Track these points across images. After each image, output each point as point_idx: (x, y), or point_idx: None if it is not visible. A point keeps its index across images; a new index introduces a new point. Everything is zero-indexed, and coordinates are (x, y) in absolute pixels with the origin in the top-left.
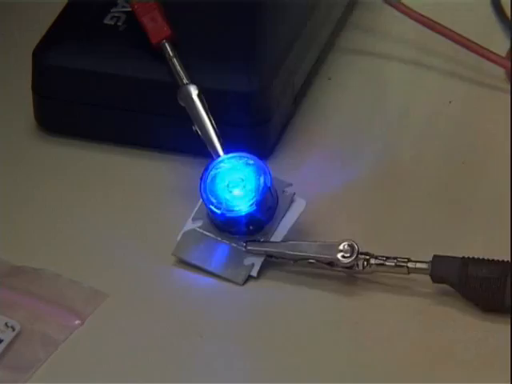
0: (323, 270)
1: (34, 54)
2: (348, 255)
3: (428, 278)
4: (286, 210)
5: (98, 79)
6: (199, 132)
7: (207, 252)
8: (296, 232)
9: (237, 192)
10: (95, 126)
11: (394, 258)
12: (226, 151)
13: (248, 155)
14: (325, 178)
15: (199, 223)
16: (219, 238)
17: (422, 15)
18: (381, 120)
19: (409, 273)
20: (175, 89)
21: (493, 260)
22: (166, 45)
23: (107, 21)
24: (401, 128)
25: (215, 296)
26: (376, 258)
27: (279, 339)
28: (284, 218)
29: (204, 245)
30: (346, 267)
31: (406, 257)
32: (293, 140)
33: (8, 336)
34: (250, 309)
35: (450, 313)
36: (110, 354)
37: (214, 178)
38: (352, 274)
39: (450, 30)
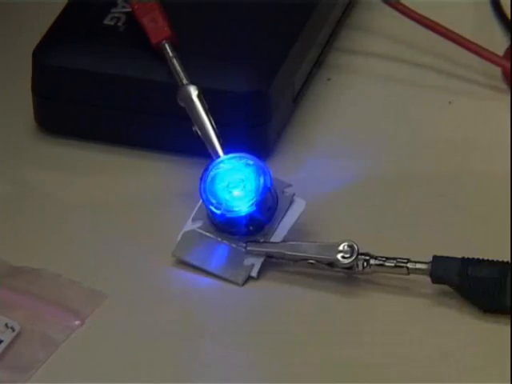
0: (323, 270)
1: (34, 54)
2: (348, 256)
3: (428, 278)
4: (286, 211)
5: (97, 79)
6: (199, 132)
7: (207, 252)
8: (296, 232)
9: (237, 192)
10: (95, 126)
11: (394, 259)
12: (225, 152)
13: (248, 156)
14: (325, 178)
15: (199, 224)
16: (219, 239)
17: (422, 15)
18: (380, 120)
19: (408, 273)
20: (175, 89)
21: (493, 260)
22: (166, 45)
23: (107, 21)
24: (400, 128)
25: (215, 296)
26: (376, 258)
27: (279, 339)
28: (284, 219)
29: (204, 245)
30: (346, 268)
31: (406, 257)
32: (293, 140)
33: (8, 336)
34: (250, 309)
35: (450, 313)
36: (109, 354)
37: (214, 178)
38: (352, 275)
39: (450, 30)
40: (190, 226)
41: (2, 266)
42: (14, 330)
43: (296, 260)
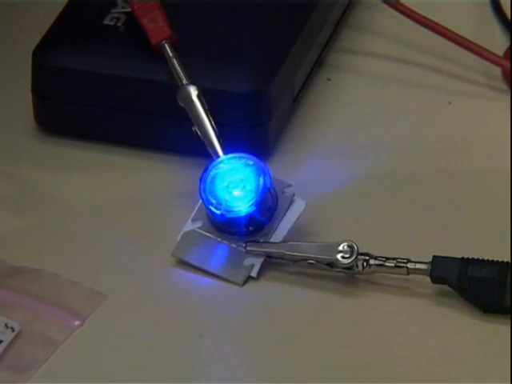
0: (323, 270)
1: (34, 54)
2: (347, 256)
3: (428, 278)
4: (286, 211)
5: (97, 80)
6: (199, 132)
7: (207, 252)
8: (296, 232)
9: (236, 193)
10: (95, 126)
11: (394, 259)
12: (225, 152)
13: (248, 156)
14: (325, 179)
15: (199, 224)
16: (219, 239)
17: (422, 15)
18: (380, 120)
19: (408, 273)
20: (175, 89)
21: (493, 260)
22: (166, 45)
23: (107, 21)
24: (400, 128)
25: (215, 296)
26: (376, 258)
27: (279, 339)
28: (284, 219)
29: (204, 245)
30: (346, 268)
31: (406, 257)
32: (292, 140)
33: (8, 336)
34: (250, 309)
35: (450, 313)
36: (109, 355)
37: (214, 178)
38: (351, 275)
39: (450, 30)
40: (189, 226)
41: (1, 265)
42: (13, 330)
43: (296, 260)
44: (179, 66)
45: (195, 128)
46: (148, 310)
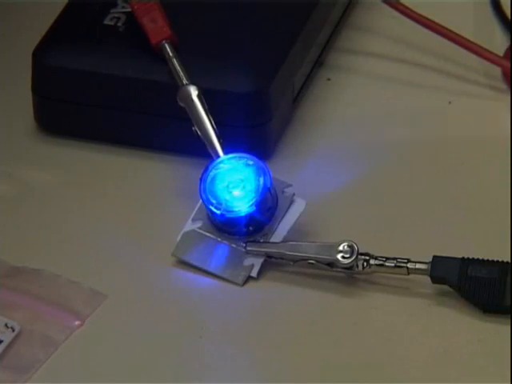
0: (323, 270)
1: (34, 54)
2: (348, 256)
3: (428, 278)
4: (286, 211)
5: (97, 80)
6: (199, 132)
7: (207, 252)
8: (296, 232)
9: (236, 192)
10: (95, 126)
11: (394, 259)
12: (225, 152)
13: (248, 156)
14: (325, 179)
15: (199, 224)
16: (219, 239)
17: (422, 15)
18: (380, 120)
19: (408, 273)
20: (175, 89)
21: (493, 260)
22: (166, 45)
23: (107, 21)
24: (400, 128)
25: (215, 296)
26: (376, 258)
27: (279, 339)
28: (284, 219)
29: (204, 245)
30: (346, 268)
31: (406, 257)
32: (293, 140)
33: (8, 337)
34: (250, 309)
35: (450, 313)
36: (109, 355)
37: (214, 178)
38: (352, 275)
39: (450, 30)
40: (189, 226)
41: (1, 265)
42: (14, 330)
43: (296, 260)
44: (179, 65)
45: (195, 128)
46: (148, 310)
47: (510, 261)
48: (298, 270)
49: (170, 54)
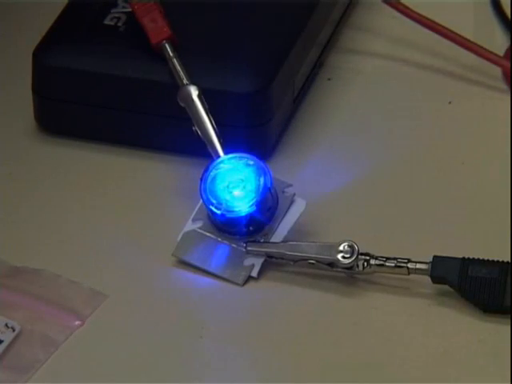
0: (323, 270)
1: (34, 54)
2: (348, 256)
3: (428, 278)
4: (286, 211)
5: (97, 80)
6: (199, 132)
7: (207, 252)
8: (296, 232)
9: (237, 192)
10: (95, 126)
11: (394, 259)
12: (226, 152)
13: (248, 156)
14: (325, 178)
15: (199, 224)
16: (219, 239)
17: (422, 15)
18: (381, 120)
19: (409, 273)
20: (175, 89)
21: (493, 260)
22: (166, 45)
23: (107, 21)
24: (401, 128)
25: (215, 296)
26: (376, 258)
27: (279, 339)
28: (284, 219)
29: (204, 245)
30: (346, 268)
31: (406, 257)
32: (293, 140)
33: (8, 337)
34: (250, 309)
35: (450, 313)
36: (109, 355)
37: (214, 178)
38: (352, 275)
39: (450, 30)
40: (190, 226)
41: (2, 265)
42: (14, 330)
43: (296, 260)
44: (179, 65)
45: (196, 128)
46: (148, 310)
47: (510, 261)
48: (298, 269)
49: (170, 53)
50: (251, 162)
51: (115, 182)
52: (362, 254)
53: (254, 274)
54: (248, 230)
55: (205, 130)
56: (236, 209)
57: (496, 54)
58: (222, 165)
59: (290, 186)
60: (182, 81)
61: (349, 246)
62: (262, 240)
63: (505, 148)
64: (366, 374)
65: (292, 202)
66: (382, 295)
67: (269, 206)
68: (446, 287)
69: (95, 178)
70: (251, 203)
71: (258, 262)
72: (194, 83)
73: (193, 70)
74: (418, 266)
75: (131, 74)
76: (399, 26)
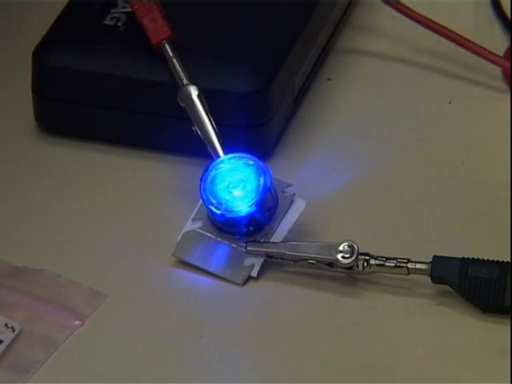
0: (323, 270)
1: (34, 54)
2: (348, 256)
3: (428, 278)
4: (286, 211)
5: (97, 80)
6: (199, 132)
7: (207, 252)
8: (296, 232)
9: (237, 192)
10: (95, 126)
11: (394, 259)
12: (225, 152)
13: (248, 156)
14: (325, 178)
15: (199, 224)
16: (219, 239)
17: (422, 15)
18: (381, 120)
19: (409, 273)
20: (175, 89)
21: (493, 260)
22: (166, 45)
23: (107, 21)
24: (401, 128)
25: (215, 296)
26: (376, 258)
27: (279, 339)
28: (284, 219)
29: (204, 245)
30: (346, 268)
31: (406, 257)
32: (293, 140)
33: (8, 337)
34: (250, 309)
35: (450, 313)
36: (109, 355)
37: (214, 178)
38: (352, 275)
39: (450, 30)
40: (190, 226)
41: (2, 266)
42: (14, 330)
43: (296, 260)
44: (179, 65)
45: (195, 128)
46: (148, 310)
47: (510, 261)
48: (298, 269)
49: (170, 53)
50: (251, 162)
51: (115, 181)
52: (362, 254)
53: (254, 274)
54: (248, 230)
55: (205, 130)
56: (236, 209)
57: (496, 54)
58: (221, 165)
59: (290, 186)
60: (181, 81)
61: (349, 246)
62: (261, 240)
63: (505, 148)
64: (366, 374)
65: (292, 202)
66: (382, 295)
67: (269, 206)
68: (445, 287)
69: (95, 178)
70: (251, 203)
71: (257, 262)
72: (193, 83)
73: (193, 70)
74: (418, 266)
75: (131, 73)
76: (399, 26)
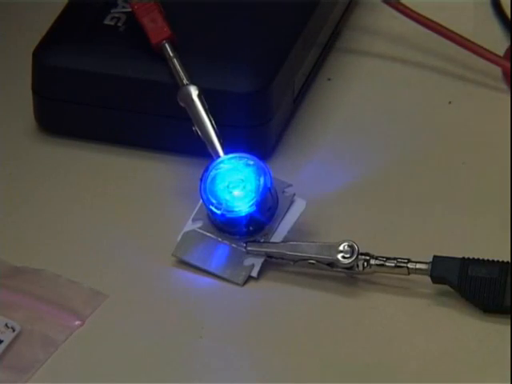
0: (323, 270)
1: (34, 54)
2: (348, 256)
3: (428, 278)
4: (286, 211)
5: (97, 80)
6: (199, 132)
7: (207, 252)
8: (296, 232)
9: (237, 192)
10: (95, 126)
11: (394, 259)
12: (226, 152)
13: (248, 156)
14: (325, 178)
15: (199, 224)
16: (219, 239)
17: (422, 15)
18: (381, 120)
19: (409, 273)
20: (175, 89)
21: (493, 260)
22: (166, 45)
23: (107, 21)
24: (401, 128)
25: (215, 296)
26: (376, 258)
27: (279, 339)
28: (284, 219)
29: (204, 245)
30: (346, 268)
31: (406, 257)
32: (293, 140)
33: (8, 337)
34: (250, 309)
35: (450, 313)
36: (109, 355)
37: (214, 178)
38: (352, 275)
39: (450, 30)
40: (190, 226)
41: (2, 266)
42: (14, 330)
43: (296, 260)
44: (179, 65)
45: (196, 128)
46: (148, 310)
47: (510, 261)
48: (298, 269)
49: (170, 53)
50: (251, 162)
51: (115, 181)
52: (362, 254)
53: (254, 274)
54: (248, 230)
55: (205, 130)
56: (236, 209)
57: (496, 54)
58: (221, 165)
59: (290, 186)
60: (182, 81)
61: (349, 245)
62: (262, 240)
63: (505, 148)
64: (366, 374)
65: (292, 202)
66: (382, 295)
67: (269, 206)
68: (445, 287)
69: (95, 178)
70: (251, 203)
71: (257, 262)
72: (194, 83)
73: (193, 70)
74: (418, 266)
75: (131, 74)
76: (399, 26)
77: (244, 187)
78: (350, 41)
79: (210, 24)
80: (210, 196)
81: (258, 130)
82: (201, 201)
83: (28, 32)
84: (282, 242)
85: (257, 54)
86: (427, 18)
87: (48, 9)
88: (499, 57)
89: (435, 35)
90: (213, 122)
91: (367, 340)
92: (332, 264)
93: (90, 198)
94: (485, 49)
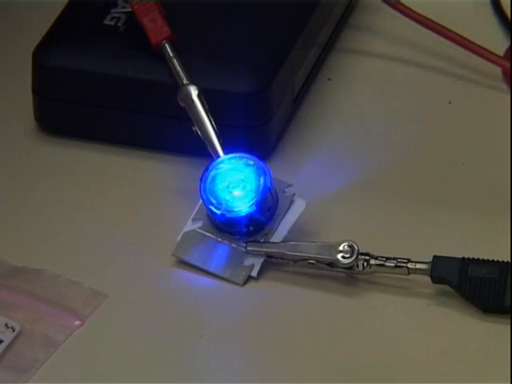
0: (323, 270)
1: (34, 54)
2: (348, 256)
3: (428, 278)
4: (286, 211)
5: (97, 80)
6: (199, 132)
7: (207, 252)
8: (296, 232)
9: (237, 192)
10: (95, 126)
11: (394, 259)
12: (226, 152)
13: (248, 156)
14: (325, 178)
15: (199, 224)
16: (219, 239)
17: (422, 15)
18: (381, 120)
19: (409, 273)
20: (175, 89)
21: (493, 260)
22: (166, 45)
23: (107, 21)
24: (401, 128)
25: (215, 296)
26: (376, 258)
27: (279, 339)
28: (284, 219)
29: (204, 245)
30: (346, 268)
31: (406, 257)
32: (293, 140)
33: (8, 337)
34: (250, 309)
35: (450, 313)
36: (109, 355)
37: (214, 178)
38: (352, 275)
39: (450, 30)
40: (190, 226)
41: (2, 266)
42: (14, 330)
43: (296, 260)
44: (179, 65)
45: (195, 128)
46: (148, 310)
47: (510, 261)
48: (298, 269)
49: (170, 53)
50: (251, 162)
51: (115, 181)
52: (362, 254)
53: (254, 274)
54: (248, 230)
55: (205, 130)
56: (236, 209)
57: (496, 54)
58: (221, 165)
59: (290, 186)
60: (182, 81)
61: (349, 246)
62: (262, 240)
63: (505, 148)
64: (366, 374)
65: (292, 202)
66: (382, 295)
67: (269, 206)
68: (446, 287)
69: (95, 178)
70: (251, 203)
71: (258, 262)
72: (193, 83)
73: (193, 70)
74: (418, 266)
75: (131, 74)
76: (399, 26)
77: (244, 187)
78: (350, 41)
79: (210, 24)
80: (209, 196)
81: (257, 129)
82: (201, 201)
83: (28, 32)
84: (282, 242)
85: (257, 54)
86: (427, 18)
87: (48, 9)
88: (499, 57)
89: (435, 35)
90: (213, 122)
91: (367, 340)
92: (332, 264)
93: (90, 198)
94: (485, 49)
